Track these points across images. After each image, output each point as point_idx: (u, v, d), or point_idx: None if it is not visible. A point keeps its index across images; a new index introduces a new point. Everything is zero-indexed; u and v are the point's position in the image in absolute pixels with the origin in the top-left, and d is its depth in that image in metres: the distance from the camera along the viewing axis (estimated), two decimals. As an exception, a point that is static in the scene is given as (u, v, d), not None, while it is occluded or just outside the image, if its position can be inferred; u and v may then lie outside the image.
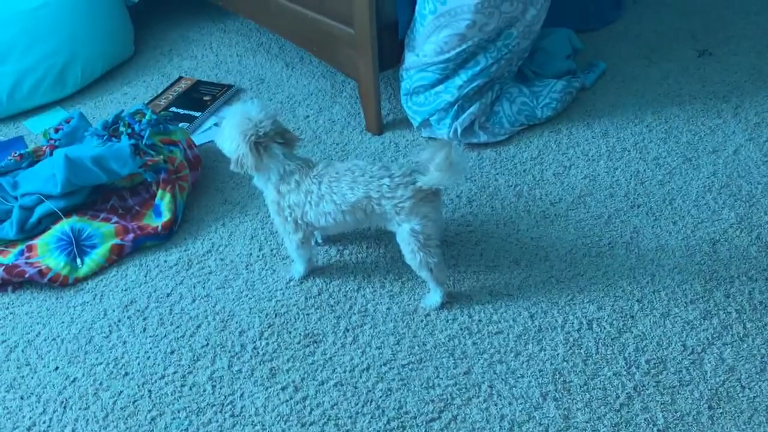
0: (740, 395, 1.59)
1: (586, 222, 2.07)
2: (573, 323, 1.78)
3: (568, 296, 1.85)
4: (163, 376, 1.73)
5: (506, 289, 1.89)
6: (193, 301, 1.92)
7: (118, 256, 2.06)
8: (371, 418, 1.61)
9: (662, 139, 2.36)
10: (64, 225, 2.08)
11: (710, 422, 1.54)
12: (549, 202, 2.15)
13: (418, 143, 2.43)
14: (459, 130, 2.36)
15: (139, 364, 1.76)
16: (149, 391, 1.70)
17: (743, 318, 1.75)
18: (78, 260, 2.03)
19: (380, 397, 1.66)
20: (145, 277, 2.01)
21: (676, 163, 2.26)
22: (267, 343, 1.79)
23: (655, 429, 1.54)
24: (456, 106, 2.35)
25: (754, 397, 1.59)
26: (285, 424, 1.61)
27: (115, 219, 2.15)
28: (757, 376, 1.62)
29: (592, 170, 2.26)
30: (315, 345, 1.78)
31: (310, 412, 1.63)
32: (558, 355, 1.71)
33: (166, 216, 2.12)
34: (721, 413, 1.56)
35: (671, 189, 2.16)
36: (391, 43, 2.39)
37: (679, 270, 1.89)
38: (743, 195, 2.11)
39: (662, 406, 1.58)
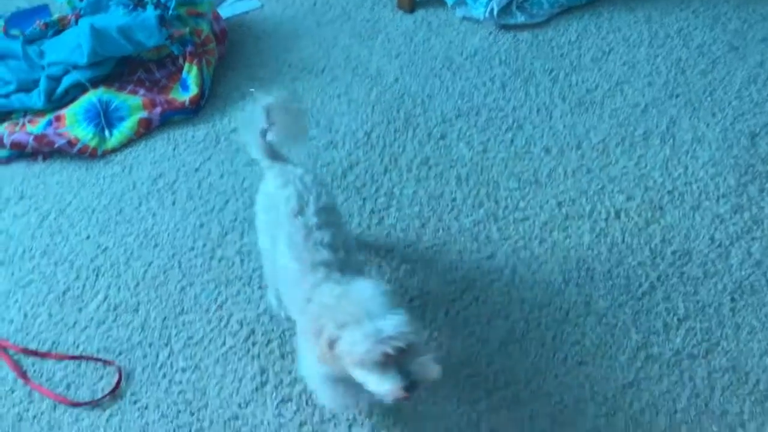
0: (765, 289, 1.59)
1: (621, 110, 2.01)
2: (601, 212, 1.76)
3: (597, 185, 1.82)
4: (192, 248, 1.76)
5: (535, 176, 1.86)
6: (221, 176, 1.93)
7: (146, 130, 2.06)
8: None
9: (708, 26, 2.24)
10: (92, 96, 2.07)
11: (731, 314, 1.55)
12: (585, 89, 2.08)
13: (451, 23, 2.34)
14: (495, 10, 2.27)
15: (168, 236, 1.80)
16: (179, 262, 1.74)
17: (775, 213, 1.73)
18: (106, 132, 2.03)
19: (404, 276, 1.68)
20: (174, 151, 2.01)
21: (720, 51, 2.15)
22: (294, 221, 1.80)
23: (675, 318, 1.55)
24: (493, -15, 2.24)
25: (778, 291, 1.59)
26: (310, 298, 1.65)
27: (142, 92, 2.13)
28: (784, 271, 1.62)
29: (631, 57, 2.17)
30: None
31: (335, 289, 1.66)
32: (583, 243, 1.71)
33: (193, 90, 2.10)
34: (743, 305, 1.56)
35: (713, 79, 2.07)
36: None
37: (713, 163, 1.85)
38: (789, 88, 2.02)
39: (684, 296, 1.59)
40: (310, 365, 1.29)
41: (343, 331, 1.12)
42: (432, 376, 1.13)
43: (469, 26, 2.33)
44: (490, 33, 2.29)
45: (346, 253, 1.33)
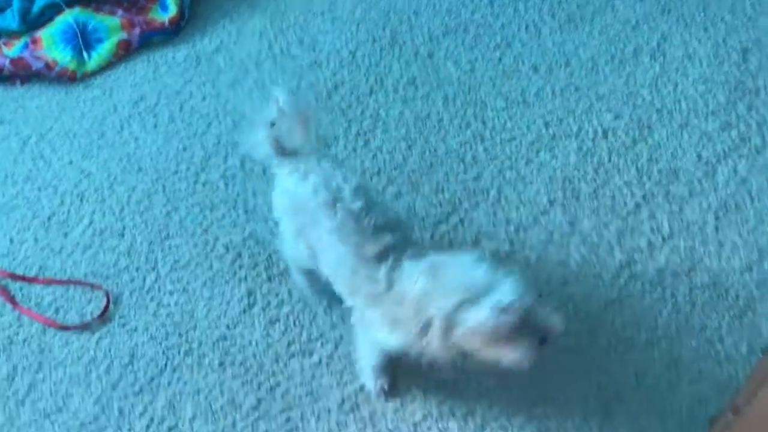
0: (748, 206, 1.59)
1: (612, 27, 1.96)
2: (588, 132, 1.75)
3: (585, 104, 1.80)
4: (176, 172, 1.75)
5: (523, 96, 1.84)
6: (204, 99, 1.89)
7: (125, 52, 2.01)
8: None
9: (705, -63, 2.16)
10: (68, 16, 2.00)
11: (715, 231, 1.56)
12: (575, 4, 2.03)
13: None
14: None
15: (151, 159, 1.78)
16: (163, 186, 1.72)
17: (763, 130, 1.71)
18: (85, 54, 1.97)
19: (390, 199, 1.67)
20: (154, 73, 1.96)
21: (716, -36, 2.09)
22: (278, 144, 1.78)
23: (659, 236, 1.56)
24: None
25: (761, 207, 1.59)
26: (296, 221, 1.65)
27: (120, 12, 2.06)
28: (769, 188, 1.62)
29: (624, -30, 2.10)
30: (326, 148, 1.77)
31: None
32: (569, 163, 1.70)
33: (173, 11, 2.03)
34: (726, 223, 1.57)
35: (707, -7, 2.02)
36: None
37: (704, 80, 1.82)
38: (784, 1, 1.97)
39: (669, 215, 1.59)
40: (371, 351, 1.28)
41: (460, 314, 1.05)
42: (558, 327, 1.08)
43: (457, -61, 2.24)
44: (479, -54, 2.21)
45: (401, 230, 1.24)
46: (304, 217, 1.26)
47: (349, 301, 1.26)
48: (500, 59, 1.92)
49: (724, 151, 1.69)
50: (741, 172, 1.65)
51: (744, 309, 1.45)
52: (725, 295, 1.47)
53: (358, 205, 1.21)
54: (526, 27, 1.98)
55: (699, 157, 1.68)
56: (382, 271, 1.15)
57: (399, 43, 1.98)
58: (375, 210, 1.22)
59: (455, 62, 1.92)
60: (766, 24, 1.92)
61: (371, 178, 1.71)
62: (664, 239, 1.56)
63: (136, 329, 1.51)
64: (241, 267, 1.57)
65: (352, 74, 1.92)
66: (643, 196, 1.63)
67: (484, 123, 1.79)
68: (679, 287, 1.49)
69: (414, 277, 1.10)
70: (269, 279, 1.55)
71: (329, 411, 1.37)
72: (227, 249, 1.60)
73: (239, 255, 1.59)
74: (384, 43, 1.98)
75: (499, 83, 1.87)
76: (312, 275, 1.40)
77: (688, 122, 1.75)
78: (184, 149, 1.79)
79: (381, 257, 1.17)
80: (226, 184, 1.71)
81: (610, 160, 1.69)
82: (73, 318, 1.53)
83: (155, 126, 1.84)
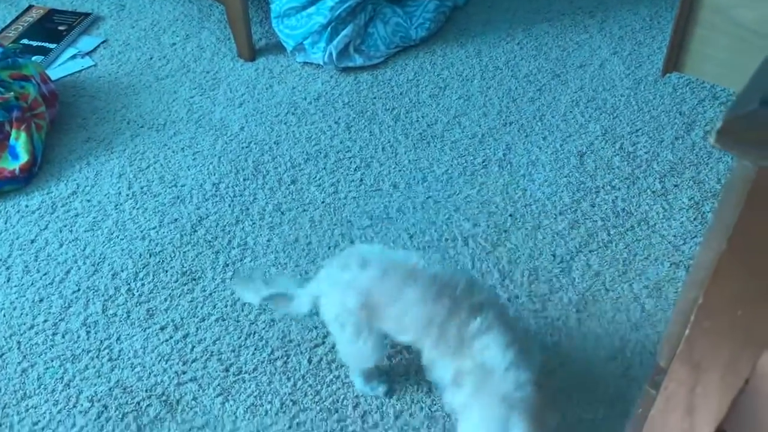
0: (605, 297, 1.69)
1: (461, 142, 2.10)
2: (449, 240, 1.82)
3: (445, 215, 1.88)
4: (32, 326, 1.64)
5: (386, 212, 1.90)
6: (60, 245, 1.82)
7: (-28, 204, 1.92)
8: (255, 349, 1.61)
9: (533, 56, 2.40)
10: None
11: (578, 324, 1.64)
12: (426, 123, 2.16)
13: (293, 69, 2.36)
14: (334, 54, 2.31)
15: (4, 315, 1.67)
16: (18, 342, 1.61)
17: (607, 225, 1.85)
18: (-75, 211, 1.87)
19: (263, 328, 1.65)
20: (5, 224, 1.88)
21: (545, 79, 2.31)
22: (142, 284, 1.73)
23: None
24: (329, 29, 2.29)
25: (617, 298, 1.69)
26: (166, 363, 1.58)
27: (-34, 164, 1.98)
28: (620, 278, 1.73)
29: (466, 90, 2.27)
30: (194, 282, 1.74)
31: (192, 349, 1.60)
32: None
33: (24, 158, 1.98)
34: (587, 316, 1.66)
35: (541, 105, 2.21)
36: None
37: (548, 183, 1.96)
38: (608, 108, 2.19)
39: (534, 313, 1.66)
40: None
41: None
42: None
43: (310, 71, 2.36)
44: (331, 76, 2.33)
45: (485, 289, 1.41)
46: (371, 305, 1.31)
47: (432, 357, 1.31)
48: (361, 179, 1.99)
49: (575, 248, 1.80)
50: (594, 266, 1.76)
51: (615, 398, 1.51)
52: (595, 387, 1.52)
53: (436, 269, 1.31)
54: (383, 148, 2.08)
55: (554, 255, 1.79)
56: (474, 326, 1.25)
57: (262, 172, 2.02)
58: (440, 268, 1.32)
59: (319, 186, 1.97)
60: (595, 129, 2.12)
61: (242, 308, 1.68)
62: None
63: (-11, 507, 1.36)
64: (108, 420, 1.47)
65: (217, 206, 1.92)
66: (508, 298, 1.69)
67: (351, 241, 1.82)
68: (551, 384, 1.53)
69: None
70: (139, 429, 1.45)
71: None
72: (92, 402, 1.50)
73: (105, 407, 1.49)
74: (247, 173, 2.01)
75: (363, 202, 1.92)
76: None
77: (540, 224, 1.86)
78: (41, 300, 1.69)
79: (474, 312, 1.26)
80: (88, 332, 1.63)
81: (473, 266, 1.76)
82: None
83: (8, 279, 1.74)
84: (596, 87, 2.26)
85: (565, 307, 1.67)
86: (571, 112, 2.18)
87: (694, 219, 1.85)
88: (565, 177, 1.98)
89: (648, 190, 1.93)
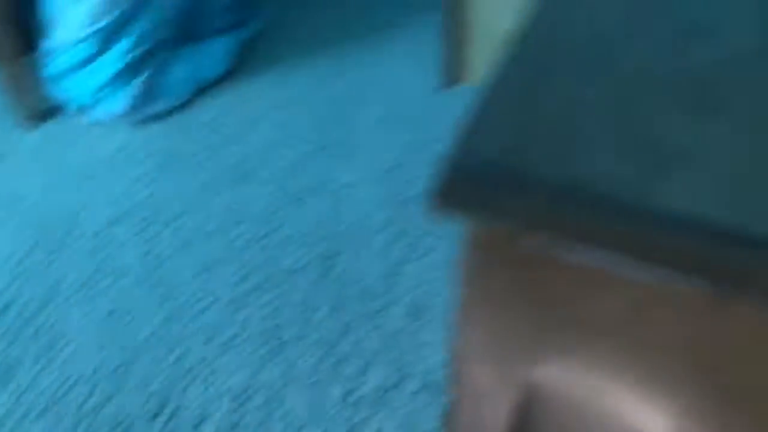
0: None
1: (275, 174, 2.07)
2: (276, 277, 1.79)
3: (269, 253, 1.85)
4: None
5: (205, 265, 1.83)
6: None
7: None
8: (89, 433, 1.49)
9: (339, 75, 2.42)
10: None
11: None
12: (236, 161, 2.12)
13: (84, 128, 2.24)
14: (133, 101, 2.21)
15: None
16: None
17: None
18: None
19: (95, 408, 1.53)
20: None
21: (350, 99, 2.33)
22: (-56, 392, 1.55)
23: None
24: (124, 76, 2.19)
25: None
26: (-14, 476, 1.42)
27: None
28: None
29: (276, 119, 2.26)
30: (7, 379, 1.58)
31: (16, 453, 1.46)
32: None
33: None
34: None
35: (350, 125, 2.23)
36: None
37: (369, 200, 1.98)
38: (412, 120, 2.24)
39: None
40: None
41: None
42: None
43: (103, 128, 2.24)
44: (127, 130, 2.23)
45: None
46: None
47: None
48: (173, 234, 1.91)
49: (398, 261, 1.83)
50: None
51: None
52: None
53: None
54: (194, 195, 2.01)
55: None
56: None
57: (67, 242, 1.88)
58: None
59: (134, 247, 1.87)
60: (404, 141, 2.17)
61: (67, 393, 1.55)
62: None
63: None
64: None
65: (20, 289, 1.76)
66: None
67: (175, 299, 1.74)
68: None
69: None
70: None
71: None
72: None
73: None
74: (53, 246, 1.87)
75: (180, 257, 1.85)
76: None
77: (369, 242, 1.87)
78: None
79: None
80: None
81: (304, 299, 1.74)
82: None
83: None
84: (398, 101, 2.31)
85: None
86: (378, 128, 2.22)
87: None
88: (383, 191, 2.01)
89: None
